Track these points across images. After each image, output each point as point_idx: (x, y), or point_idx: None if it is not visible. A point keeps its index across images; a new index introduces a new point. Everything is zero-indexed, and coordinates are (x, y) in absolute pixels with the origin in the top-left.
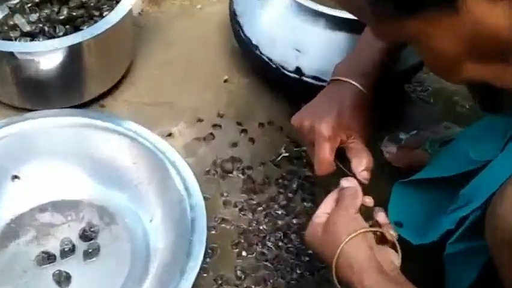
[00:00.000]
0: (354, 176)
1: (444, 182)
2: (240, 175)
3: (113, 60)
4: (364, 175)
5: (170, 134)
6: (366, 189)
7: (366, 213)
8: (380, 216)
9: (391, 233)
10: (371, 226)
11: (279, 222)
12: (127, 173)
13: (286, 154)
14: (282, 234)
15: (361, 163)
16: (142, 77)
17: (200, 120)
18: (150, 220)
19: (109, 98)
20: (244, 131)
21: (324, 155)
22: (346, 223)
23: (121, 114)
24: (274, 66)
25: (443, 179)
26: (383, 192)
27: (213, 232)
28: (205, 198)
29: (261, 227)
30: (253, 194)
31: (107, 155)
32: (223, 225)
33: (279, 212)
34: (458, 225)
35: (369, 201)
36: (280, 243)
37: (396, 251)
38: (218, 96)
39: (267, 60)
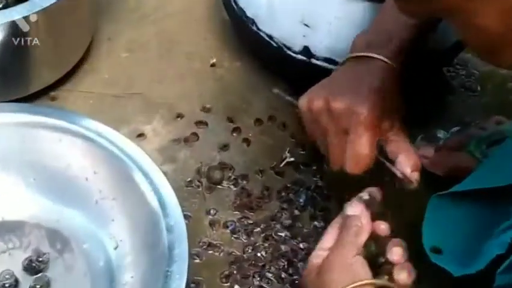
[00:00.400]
0: (402, 178)
1: (494, 195)
2: (232, 187)
3: (68, 40)
4: (415, 176)
5: (141, 135)
6: (391, 206)
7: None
8: (394, 254)
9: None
10: (380, 266)
11: (282, 247)
12: (85, 185)
13: (291, 159)
14: (285, 262)
15: (409, 160)
16: (106, 61)
17: (180, 116)
18: (115, 247)
19: (62, 89)
20: (236, 129)
21: (366, 149)
22: (341, 270)
23: (77, 110)
24: (275, 45)
25: (493, 190)
26: (415, 209)
27: (197, 261)
28: (186, 217)
29: (258, 254)
30: (249, 211)
31: (60, 163)
32: (210, 251)
33: (282, 234)
34: (511, 249)
35: (384, 228)
36: (283, 275)
37: None
38: (203, 85)
39: (266, 37)
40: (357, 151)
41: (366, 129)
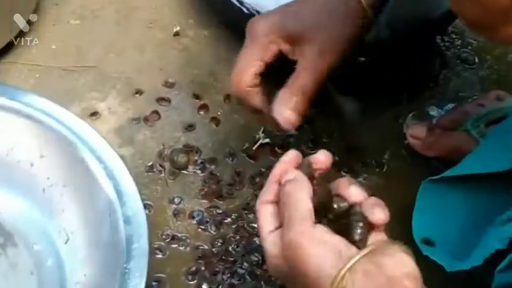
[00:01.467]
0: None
1: (493, 181)
2: (199, 172)
3: (9, 6)
4: (288, 117)
5: (95, 113)
6: (376, 193)
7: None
8: (353, 192)
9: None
10: (337, 207)
11: (256, 240)
12: (30, 171)
13: (266, 141)
14: (260, 257)
15: (291, 94)
16: (53, 29)
17: (139, 92)
18: (66, 240)
19: (2, 61)
20: (203, 107)
21: (245, 66)
22: (314, 257)
23: (21, 85)
24: (246, 11)
25: (491, 175)
26: (405, 196)
27: (159, 256)
28: (146, 207)
29: (229, 248)
30: (218, 199)
31: (0, 146)
32: (174, 245)
33: (256, 225)
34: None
35: (323, 159)
36: (258, 271)
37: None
38: (165, 56)
39: (236, 3)
40: (235, 67)
41: (252, 41)
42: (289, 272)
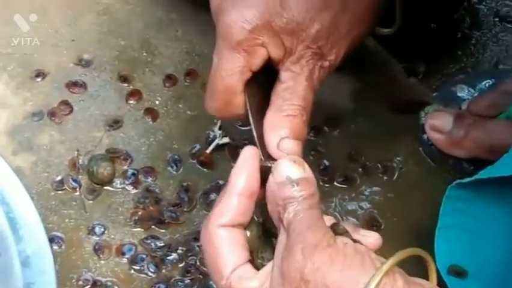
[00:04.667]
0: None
1: None
2: (129, 188)
3: None
4: (286, 146)
5: None
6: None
7: None
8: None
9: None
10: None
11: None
12: None
13: (225, 140)
14: None
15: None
16: None
17: (41, 75)
18: None
19: None
20: (134, 94)
21: (229, 84)
22: (340, 274)
23: None
24: None
25: None
26: (423, 213)
27: None
28: (55, 241)
29: None
30: (159, 226)
31: None
32: None
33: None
34: None
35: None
36: None
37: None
38: (78, 22)
39: None
40: (211, 78)
41: (230, 47)
42: None
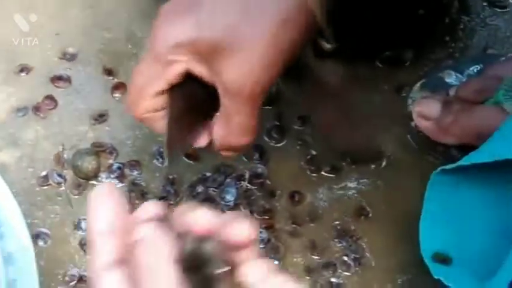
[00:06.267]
0: None
1: None
2: (115, 182)
3: None
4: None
5: None
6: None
7: None
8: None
9: None
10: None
11: None
12: None
13: None
14: None
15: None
16: None
17: (25, 70)
18: None
19: None
20: (120, 87)
21: (141, 85)
22: None
23: None
24: None
25: None
26: (411, 203)
27: None
28: (40, 237)
29: None
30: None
31: None
32: None
33: None
34: None
35: None
36: None
37: None
38: (62, 14)
39: None
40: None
41: (151, 58)
42: None
